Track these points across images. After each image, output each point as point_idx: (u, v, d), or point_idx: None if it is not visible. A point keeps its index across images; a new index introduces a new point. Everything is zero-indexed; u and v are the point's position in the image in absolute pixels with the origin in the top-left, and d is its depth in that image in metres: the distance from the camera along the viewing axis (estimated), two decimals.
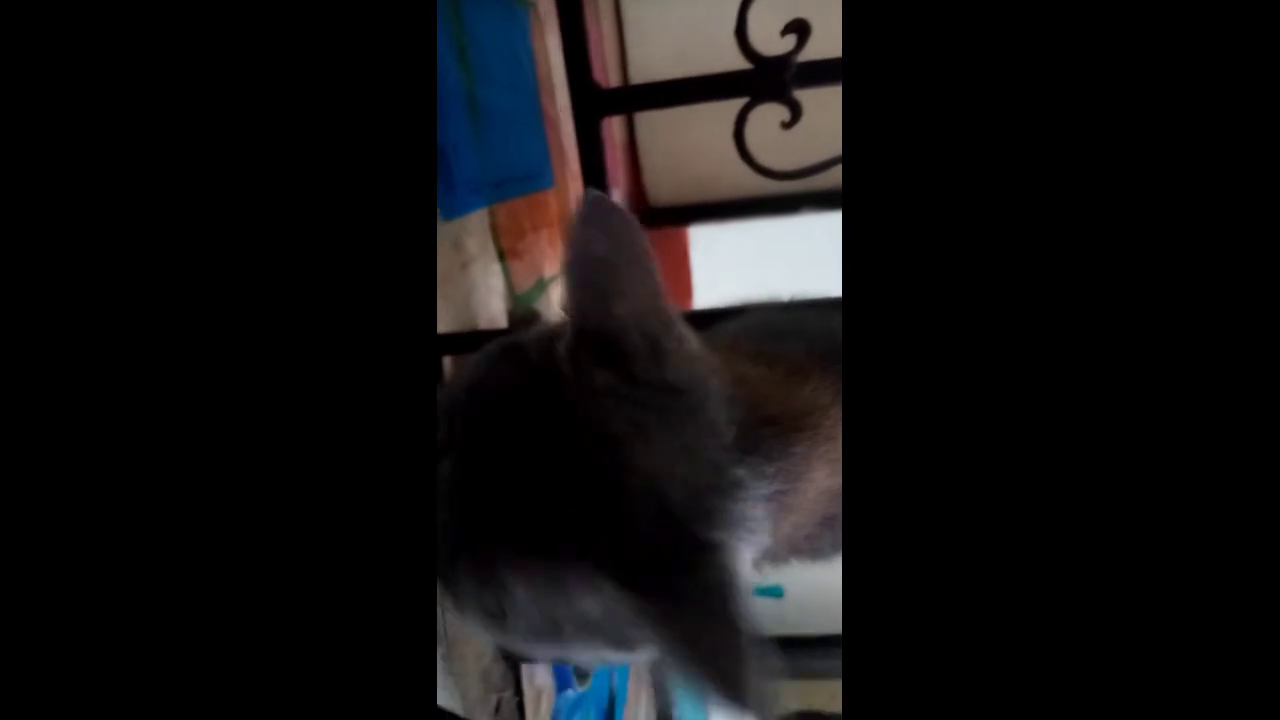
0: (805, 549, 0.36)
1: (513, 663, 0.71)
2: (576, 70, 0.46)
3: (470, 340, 0.59)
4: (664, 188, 1.53)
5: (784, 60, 0.47)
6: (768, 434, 0.31)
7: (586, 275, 0.29)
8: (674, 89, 0.48)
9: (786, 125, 0.49)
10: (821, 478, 0.33)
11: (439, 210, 0.62)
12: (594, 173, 0.49)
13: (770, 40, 0.47)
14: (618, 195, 1.33)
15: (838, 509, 0.34)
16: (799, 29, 0.47)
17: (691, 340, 0.32)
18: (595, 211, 0.29)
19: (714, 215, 1.50)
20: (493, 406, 0.30)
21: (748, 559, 0.29)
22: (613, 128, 1.38)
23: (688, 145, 1.41)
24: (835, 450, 0.33)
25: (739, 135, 0.48)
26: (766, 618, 0.25)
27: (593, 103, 0.47)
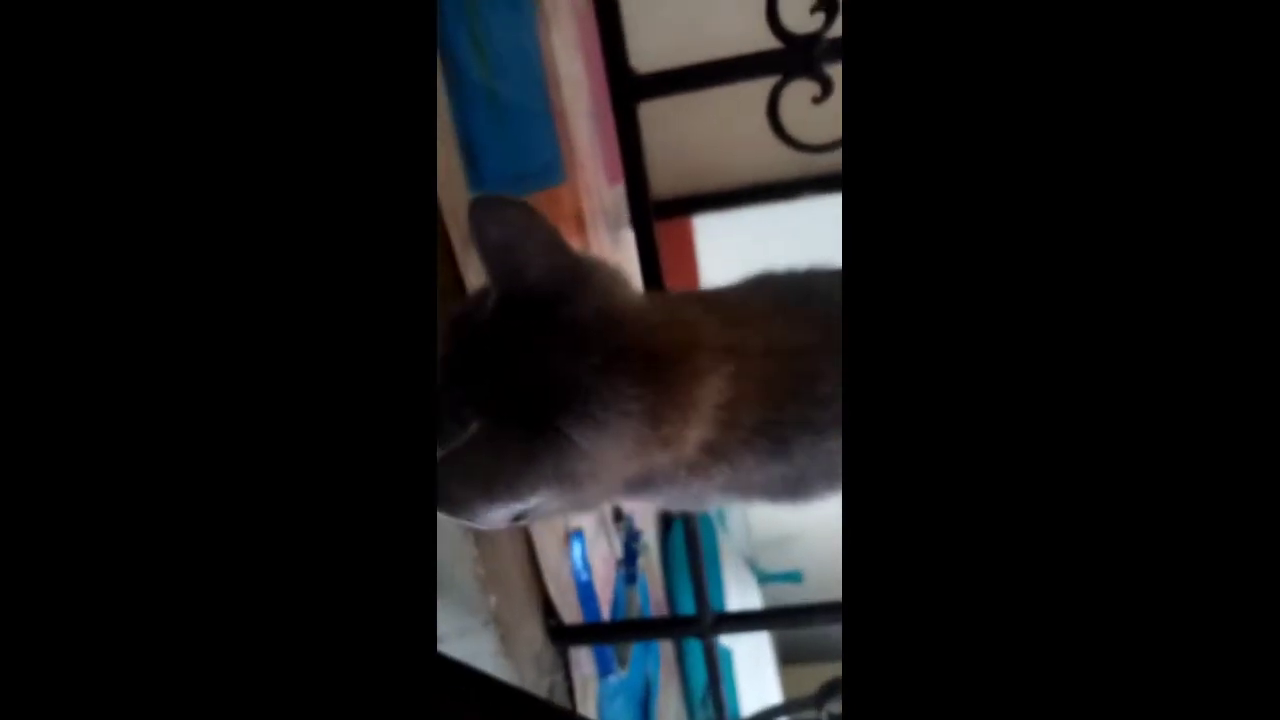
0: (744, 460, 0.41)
1: (561, 648, 0.72)
2: (613, 56, 0.47)
3: None
4: (665, 179, 1.52)
5: (814, 37, 0.48)
6: (639, 361, 0.38)
7: (493, 259, 0.39)
8: (710, 71, 0.49)
9: (818, 100, 0.50)
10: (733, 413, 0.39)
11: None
12: (633, 159, 0.50)
13: (800, 19, 0.49)
14: (620, 189, 1.34)
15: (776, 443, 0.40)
16: (828, 6, 0.48)
17: (594, 279, 0.40)
18: (481, 210, 0.38)
19: (716, 204, 1.51)
20: (456, 352, 0.40)
21: (603, 458, 0.37)
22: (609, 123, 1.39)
23: (686, 136, 1.41)
24: (768, 392, 0.40)
25: (773, 112, 0.50)
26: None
27: (630, 88, 0.48)
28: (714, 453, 0.40)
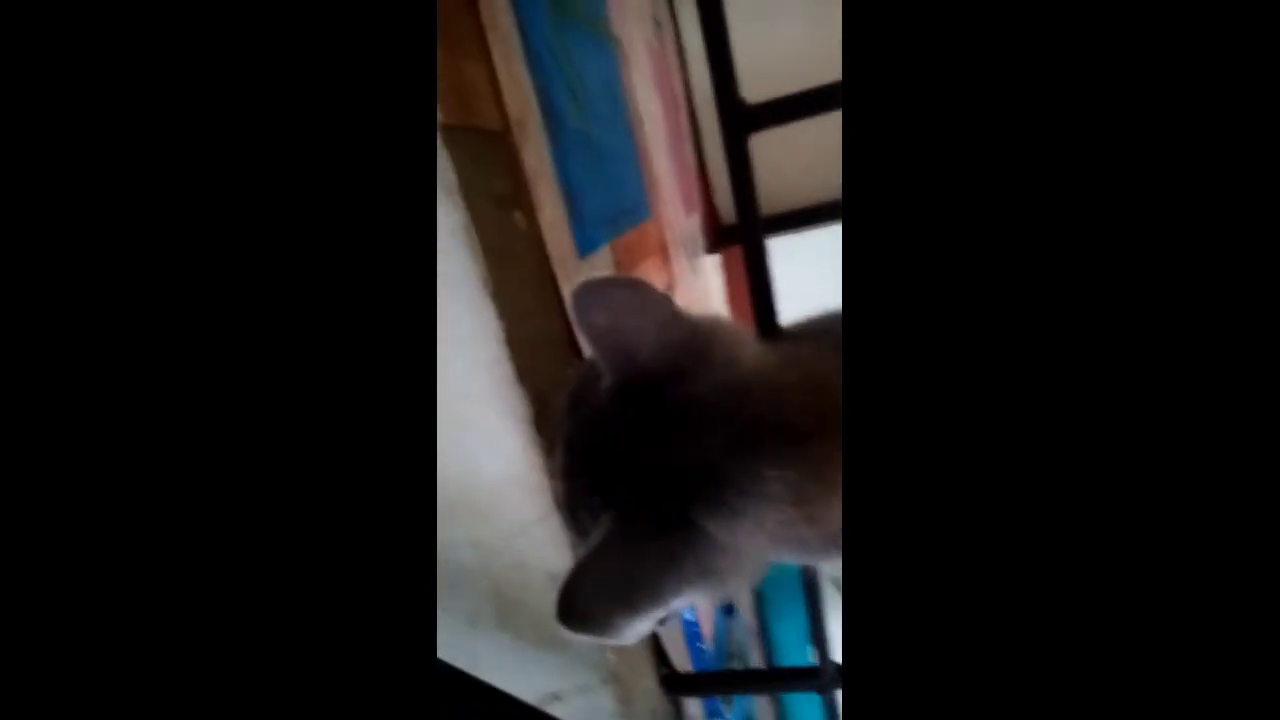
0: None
1: (674, 698, 0.70)
2: (723, 87, 0.46)
3: None
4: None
5: None
6: (774, 437, 0.35)
7: (602, 346, 0.37)
8: (819, 97, 0.47)
9: None
10: None
11: (576, 249, 0.63)
12: (743, 189, 0.49)
13: None
14: (696, 219, 1.34)
15: None
16: None
17: (709, 348, 0.38)
18: (587, 292, 0.36)
19: (788, 226, 1.49)
20: (577, 435, 0.39)
21: (744, 546, 0.35)
22: (685, 153, 1.39)
23: (756, 159, 1.41)
24: None
25: None
26: None
27: (741, 119, 0.47)
28: None
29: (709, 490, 0.34)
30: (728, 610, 1.02)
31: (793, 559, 0.42)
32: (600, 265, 0.70)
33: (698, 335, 0.38)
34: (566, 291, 0.57)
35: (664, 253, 1.01)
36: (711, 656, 0.90)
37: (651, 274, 0.91)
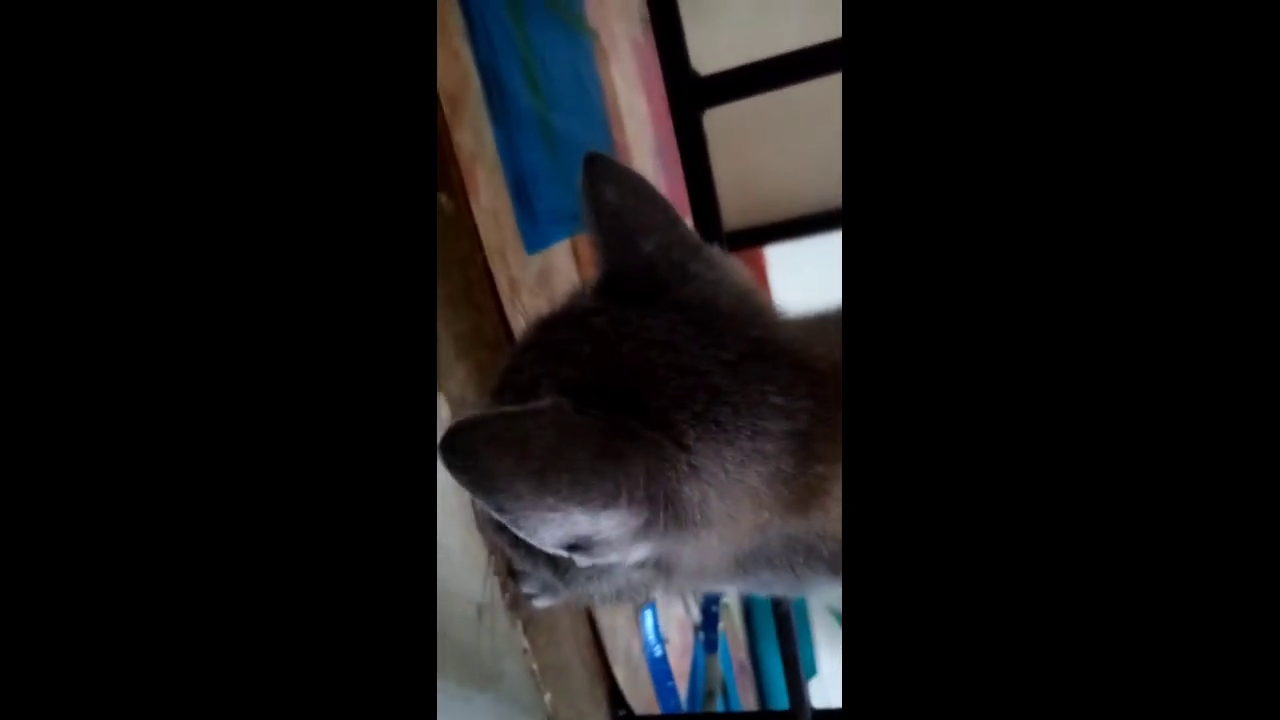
0: None
1: None
2: (672, 60, 0.41)
3: None
4: (735, 211, 1.49)
5: None
6: (789, 366, 0.29)
7: (606, 224, 0.32)
8: (778, 67, 0.41)
9: None
10: None
11: (524, 243, 0.57)
12: (697, 172, 0.43)
13: None
14: (689, 223, 1.29)
15: None
16: None
17: (724, 265, 0.33)
18: (595, 167, 0.32)
19: (789, 233, 1.47)
20: (538, 336, 0.33)
21: (715, 499, 0.28)
22: (675, 156, 1.35)
23: (755, 167, 1.37)
24: None
25: None
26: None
27: (693, 94, 0.41)
28: None
29: (698, 401, 0.27)
30: (709, 645, 0.94)
31: (767, 572, 0.33)
32: (557, 265, 0.64)
33: (705, 246, 0.33)
34: (504, 287, 0.51)
35: None
36: (687, 697, 0.83)
37: None
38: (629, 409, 0.27)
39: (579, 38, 0.86)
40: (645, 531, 0.27)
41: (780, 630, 0.56)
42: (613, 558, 0.28)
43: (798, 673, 0.57)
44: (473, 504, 0.43)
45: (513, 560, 0.46)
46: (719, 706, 0.87)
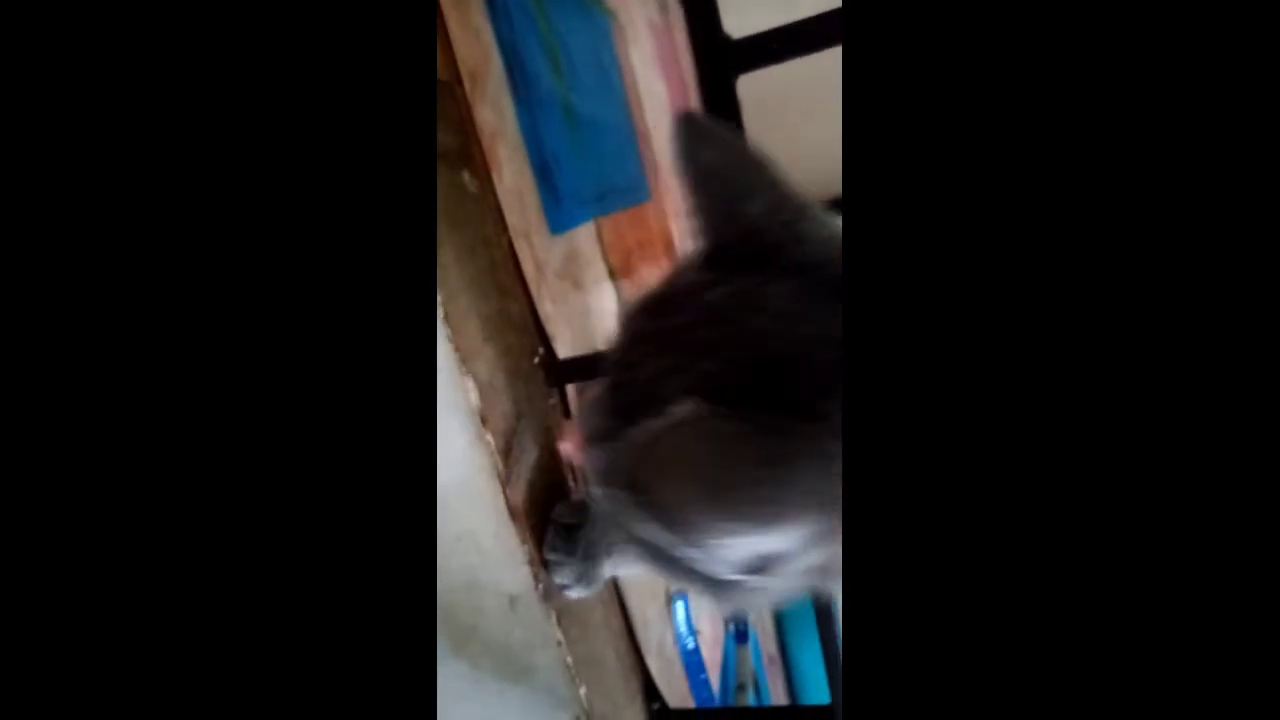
0: None
1: None
2: (702, 23, 0.39)
3: (589, 363, 0.51)
4: None
5: None
6: None
7: (706, 189, 0.29)
8: (815, 30, 0.39)
9: None
10: None
11: (547, 224, 0.55)
12: None
13: None
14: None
15: None
16: None
17: (834, 223, 0.30)
18: (689, 127, 0.29)
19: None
20: (656, 340, 0.29)
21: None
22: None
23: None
24: None
25: None
26: None
27: (726, 57, 0.39)
28: None
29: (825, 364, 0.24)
30: (740, 637, 0.93)
31: None
32: (581, 248, 0.62)
33: (815, 204, 0.30)
34: (530, 268, 0.49)
35: (666, 241, 0.94)
36: (719, 689, 0.82)
37: (651, 261, 0.84)
38: (773, 401, 0.24)
39: (599, 19, 0.84)
40: (818, 539, 0.24)
41: (820, 622, 0.55)
42: (788, 571, 0.25)
43: (837, 663, 0.55)
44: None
45: (545, 552, 0.45)
46: (750, 700, 0.86)
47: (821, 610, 0.54)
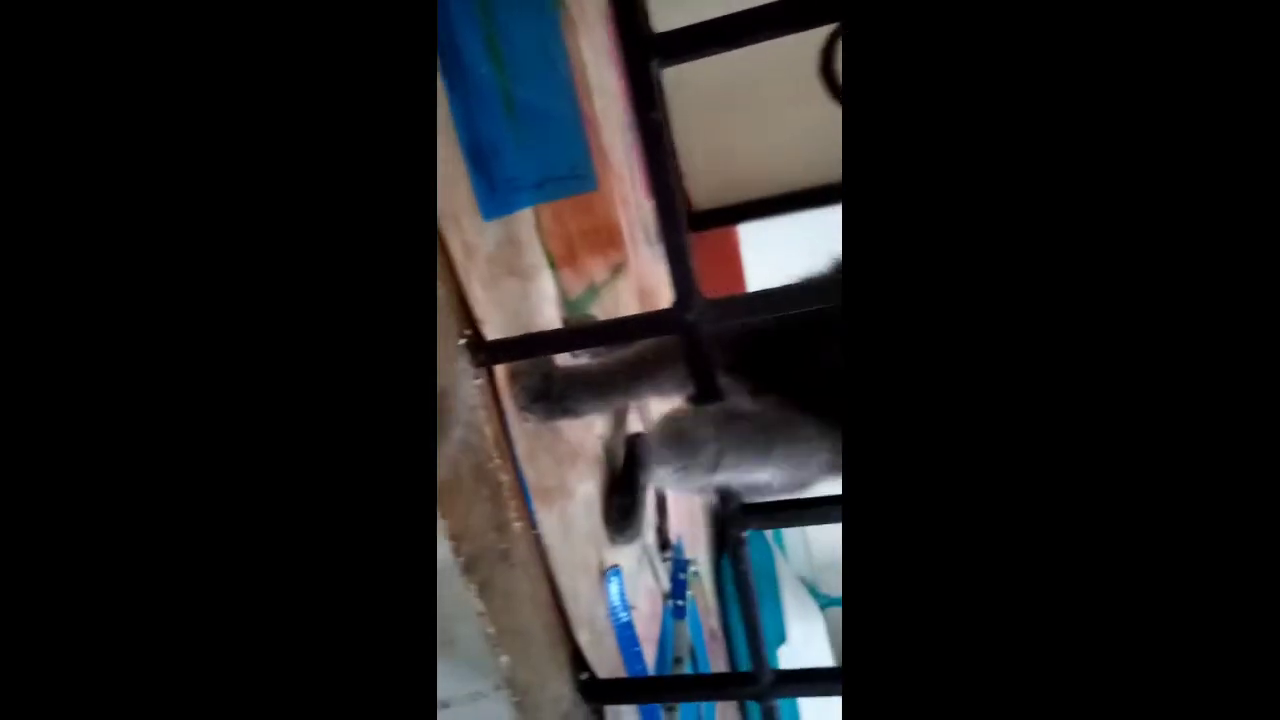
0: None
1: (596, 706, 0.64)
2: (625, 12, 0.40)
3: (521, 344, 0.53)
4: (706, 190, 1.48)
5: None
6: None
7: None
8: (746, 21, 0.41)
9: None
10: None
11: (480, 210, 0.57)
12: (652, 136, 0.43)
13: None
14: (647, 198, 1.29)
15: None
16: None
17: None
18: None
19: (761, 212, 1.46)
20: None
21: None
22: None
23: (725, 146, 1.37)
24: None
25: (827, 68, 0.41)
26: None
27: (646, 49, 0.41)
28: None
29: None
30: (678, 612, 0.96)
31: None
32: (518, 233, 0.64)
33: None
34: (457, 252, 0.51)
35: (611, 231, 0.95)
36: (655, 661, 0.85)
37: (594, 250, 0.86)
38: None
39: (547, 9, 0.85)
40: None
41: (740, 592, 0.58)
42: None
43: (757, 631, 0.58)
44: None
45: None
46: (687, 671, 0.89)
47: (740, 577, 0.57)
